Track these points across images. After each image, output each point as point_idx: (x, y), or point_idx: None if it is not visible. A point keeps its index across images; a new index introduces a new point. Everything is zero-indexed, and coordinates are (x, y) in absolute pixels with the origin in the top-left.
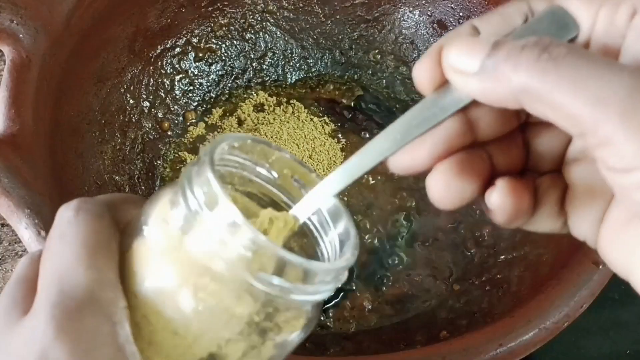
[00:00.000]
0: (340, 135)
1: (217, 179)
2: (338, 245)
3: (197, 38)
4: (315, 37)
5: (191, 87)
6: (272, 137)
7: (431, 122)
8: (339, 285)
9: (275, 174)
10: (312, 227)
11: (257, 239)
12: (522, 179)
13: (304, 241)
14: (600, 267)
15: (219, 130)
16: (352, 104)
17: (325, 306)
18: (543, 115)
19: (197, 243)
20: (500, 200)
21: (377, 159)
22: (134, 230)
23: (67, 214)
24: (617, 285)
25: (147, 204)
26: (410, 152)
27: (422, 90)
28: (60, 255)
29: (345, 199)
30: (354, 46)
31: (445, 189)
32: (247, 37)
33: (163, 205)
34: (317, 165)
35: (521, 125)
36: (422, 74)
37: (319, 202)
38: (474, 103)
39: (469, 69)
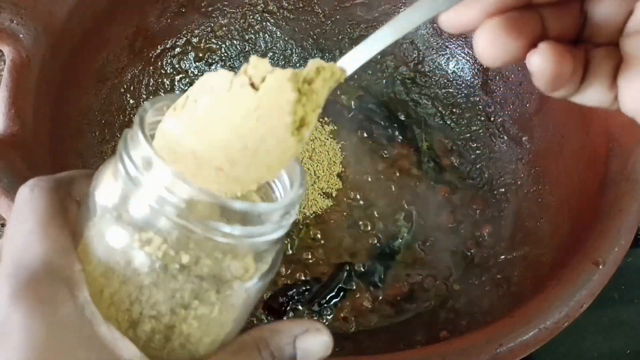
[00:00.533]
0: (340, 136)
1: (147, 138)
2: (288, 183)
3: (197, 38)
4: (315, 37)
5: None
6: None
7: None
8: (288, 224)
9: None
10: None
11: (190, 188)
12: (572, 46)
13: (262, 192)
14: (600, 267)
15: None
16: (352, 104)
17: (325, 306)
18: None
19: (138, 203)
20: (540, 62)
21: (430, 14)
22: (87, 200)
23: (23, 193)
24: (617, 285)
25: (95, 174)
26: (464, 9)
27: None
28: (16, 231)
29: (345, 199)
30: (354, 46)
31: (491, 44)
32: (247, 37)
33: (107, 173)
34: (317, 165)
35: None
36: None
37: (369, 54)
38: None
39: None
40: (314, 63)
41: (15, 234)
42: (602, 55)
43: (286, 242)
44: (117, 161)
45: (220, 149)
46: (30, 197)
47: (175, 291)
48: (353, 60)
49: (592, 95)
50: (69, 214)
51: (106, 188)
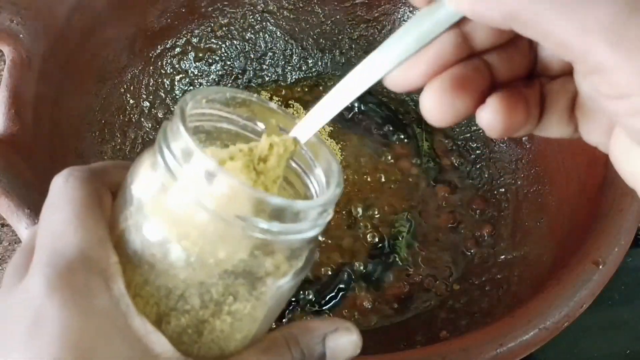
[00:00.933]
0: (340, 136)
1: (188, 130)
2: (324, 181)
3: (197, 38)
4: (315, 37)
5: (191, 87)
6: None
7: (427, 38)
8: (324, 223)
9: (261, 125)
10: (297, 168)
11: (231, 182)
12: (522, 87)
13: (296, 189)
14: (600, 267)
15: None
16: (352, 104)
17: (326, 306)
18: (535, 39)
19: (177, 196)
20: (490, 118)
21: (375, 77)
22: (123, 192)
23: (57, 182)
24: (617, 285)
25: (132, 165)
26: (407, 69)
27: (417, 3)
28: (51, 220)
29: (345, 199)
30: (354, 46)
31: (438, 106)
32: (247, 37)
33: (145, 164)
34: None
35: None
36: None
37: (318, 123)
38: None
39: None
40: (267, 140)
41: (50, 223)
42: (557, 88)
43: None
44: (155, 153)
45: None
46: (65, 186)
47: (210, 286)
48: (305, 129)
49: (552, 129)
50: (104, 204)
51: (144, 180)
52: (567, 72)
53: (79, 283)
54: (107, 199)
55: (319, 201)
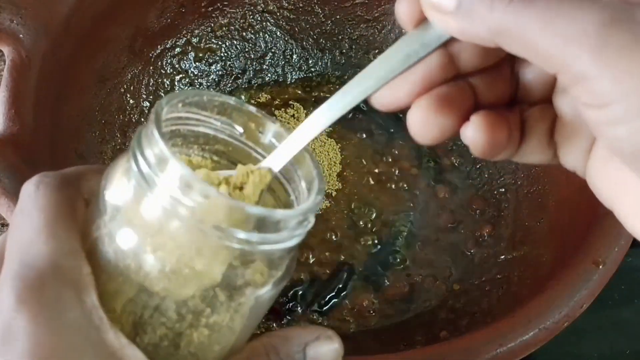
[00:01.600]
0: (340, 136)
1: (163, 136)
2: (306, 190)
3: (197, 38)
4: (315, 37)
5: (191, 87)
6: None
7: (413, 59)
8: (305, 232)
9: (240, 129)
10: (279, 175)
11: (208, 191)
12: (504, 112)
13: (277, 195)
14: (600, 267)
15: None
16: None
17: (326, 307)
18: (520, 55)
19: (152, 205)
20: (473, 134)
21: (360, 97)
22: (96, 199)
23: (28, 189)
24: (617, 285)
25: (106, 172)
26: (393, 89)
27: (404, 26)
28: (21, 228)
29: (345, 199)
30: (354, 46)
31: (424, 124)
32: (247, 37)
33: (119, 171)
34: None
35: (509, 56)
36: (403, 10)
37: (294, 150)
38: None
39: (446, 8)
40: (243, 168)
41: (20, 234)
42: (537, 115)
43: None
44: (129, 159)
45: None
46: (35, 194)
47: (187, 298)
48: (279, 158)
49: (531, 155)
50: (77, 212)
51: (117, 187)
52: (547, 99)
53: (50, 296)
54: (80, 206)
55: (299, 210)
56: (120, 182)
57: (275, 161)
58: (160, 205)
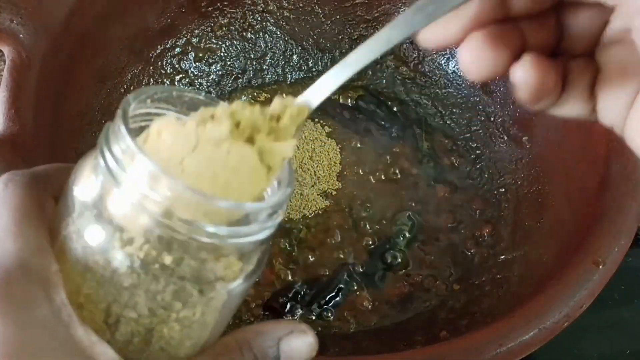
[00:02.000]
0: (340, 136)
1: (130, 132)
2: (276, 183)
3: (197, 38)
4: (315, 37)
5: (191, 87)
6: None
7: None
8: (275, 225)
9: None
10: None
11: (175, 185)
12: (552, 59)
13: None
14: (600, 267)
15: None
16: (352, 104)
17: (325, 306)
18: None
19: (120, 201)
20: (525, 74)
21: (407, 32)
22: (65, 197)
23: None
24: (617, 285)
25: (75, 169)
26: (442, 25)
27: None
28: None
29: (345, 199)
30: (354, 46)
31: (477, 58)
32: (247, 37)
33: (87, 168)
34: (317, 166)
35: (556, 5)
36: None
37: (334, 85)
38: None
39: None
40: (281, 101)
41: None
42: (580, 67)
43: (286, 242)
44: (97, 155)
45: (192, 180)
46: (3, 192)
47: (157, 293)
48: (317, 94)
49: (571, 107)
50: (46, 210)
51: (86, 183)
52: (590, 52)
53: (18, 294)
54: (49, 204)
55: (268, 202)
56: (88, 179)
57: (312, 97)
58: (128, 201)
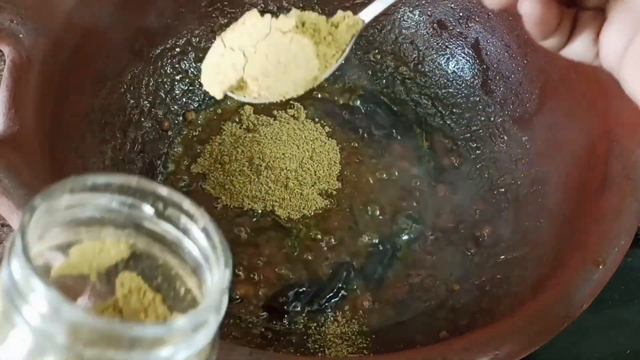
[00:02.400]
0: (340, 136)
1: (28, 261)
2: (210, 250)
3: (197, 38)
4: None
5: (191, 87)
6: (271, 138)
7: None
8: (201, 342)
9: (150, 210)
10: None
11: (77, 315)
12: (565, 7)
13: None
14: (600, 267)
15: (219, 129)
16: (352, 104)
17: (325, 306)
18: None
19: (24, 325)
20: (530, 6)
21: None
22: None
23: None
24: (617, 285)
25: None
26: None
27: None
28: None
29: (345, 199)
30: (353, 46)
31: None
32: None
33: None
34: (317, 166)
35: None
36: None
37: (381, 7)
38: None
39: None
40: (342, 12)
41: None
42: (589, 16)
43: (286, 242)
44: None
45: (259, 60)
46: None
47: None
48: (370, 12)
49: (577, 49)
50: None
51: None
52: (602, 6)
53: None
54: None
55: (181, 323)
56: None
57: (366, 15)
58: (32, 326)
